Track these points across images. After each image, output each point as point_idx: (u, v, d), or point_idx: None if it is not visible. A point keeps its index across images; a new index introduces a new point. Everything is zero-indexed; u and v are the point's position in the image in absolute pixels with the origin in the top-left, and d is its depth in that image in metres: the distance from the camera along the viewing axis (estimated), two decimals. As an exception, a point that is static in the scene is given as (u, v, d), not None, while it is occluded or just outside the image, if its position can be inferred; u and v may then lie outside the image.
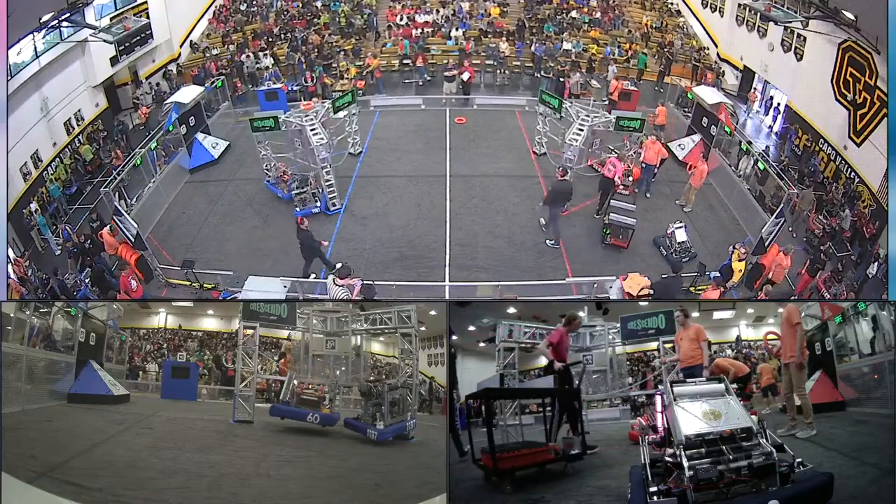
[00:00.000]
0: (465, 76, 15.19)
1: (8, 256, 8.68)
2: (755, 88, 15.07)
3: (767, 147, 12.42)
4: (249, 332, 8.12)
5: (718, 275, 9.03)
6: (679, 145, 13.03)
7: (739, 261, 9.12)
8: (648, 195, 11.54)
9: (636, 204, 10.54)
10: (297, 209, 11.12)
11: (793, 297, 9.48)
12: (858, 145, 11.14)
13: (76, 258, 10.21)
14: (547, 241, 10.53)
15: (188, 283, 9.79)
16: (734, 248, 9.25)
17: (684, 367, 6.30)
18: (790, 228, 10.68)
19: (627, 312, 9.22)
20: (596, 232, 10.76)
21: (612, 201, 10.39)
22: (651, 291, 8.56)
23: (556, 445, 5.89)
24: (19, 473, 4.93)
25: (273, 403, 8.10)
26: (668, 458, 4.20)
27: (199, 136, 12.89)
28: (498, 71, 16.56)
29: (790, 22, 12.25)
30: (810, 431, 5.89)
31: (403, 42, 16.85)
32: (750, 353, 9.78)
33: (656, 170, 11.64)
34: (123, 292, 9.08)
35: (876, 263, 9.43)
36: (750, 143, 11.82)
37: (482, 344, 8.42)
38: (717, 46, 16.36)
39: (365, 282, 7.95)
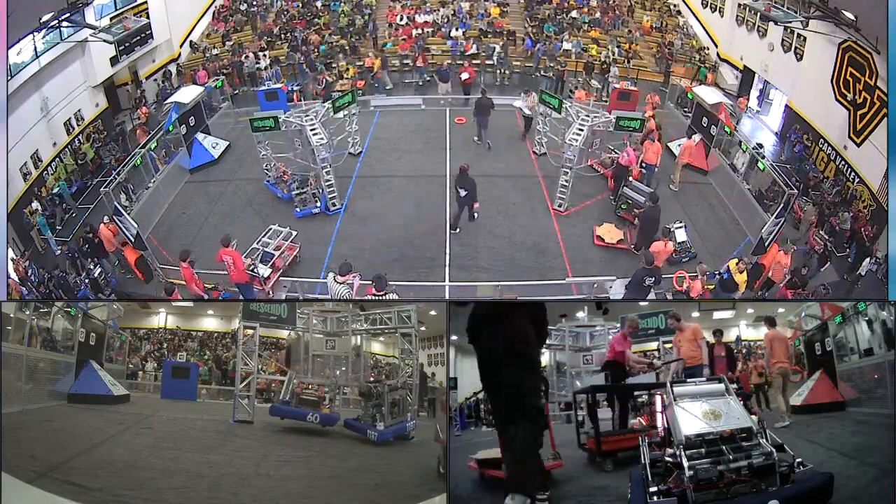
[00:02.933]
0: (465, 76, 15.17)
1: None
2: (740, 95, 14.97)
3: (760, 145, 12.37)
4: (249, 332, 8.14)
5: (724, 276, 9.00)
6: (679, 145, 13.02)
7: (741, 272, 8.99)
8: (647, 195, 11.53)
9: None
10: (298, 209, 11.12)
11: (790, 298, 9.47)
12: (858, 145, 11.13)
13: (74, 263, 10.18)
14: (474, 138, 13.18)
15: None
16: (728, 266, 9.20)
17: (684, 368, 6.33)
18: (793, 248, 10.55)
19: (627, 312, 9.22)
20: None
21: (626, 185, 10.94)
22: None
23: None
24: (19, 473, 4.93)
25: (273, 403, 8.11)
26: (668, 458, 4.20)
27: (199, 136, 12.87)
28: (498, 71, 16.55)
29: (790, 22, 12.21)
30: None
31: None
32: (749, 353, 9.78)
33: (656, 169, 11.66)
34: (192, 285, 8.93)
35: (868, 260, 9.43)
36: (756, 148, 11.76)
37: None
38: (717, 46, 16.35)
39: (377, 273, 7.91)
